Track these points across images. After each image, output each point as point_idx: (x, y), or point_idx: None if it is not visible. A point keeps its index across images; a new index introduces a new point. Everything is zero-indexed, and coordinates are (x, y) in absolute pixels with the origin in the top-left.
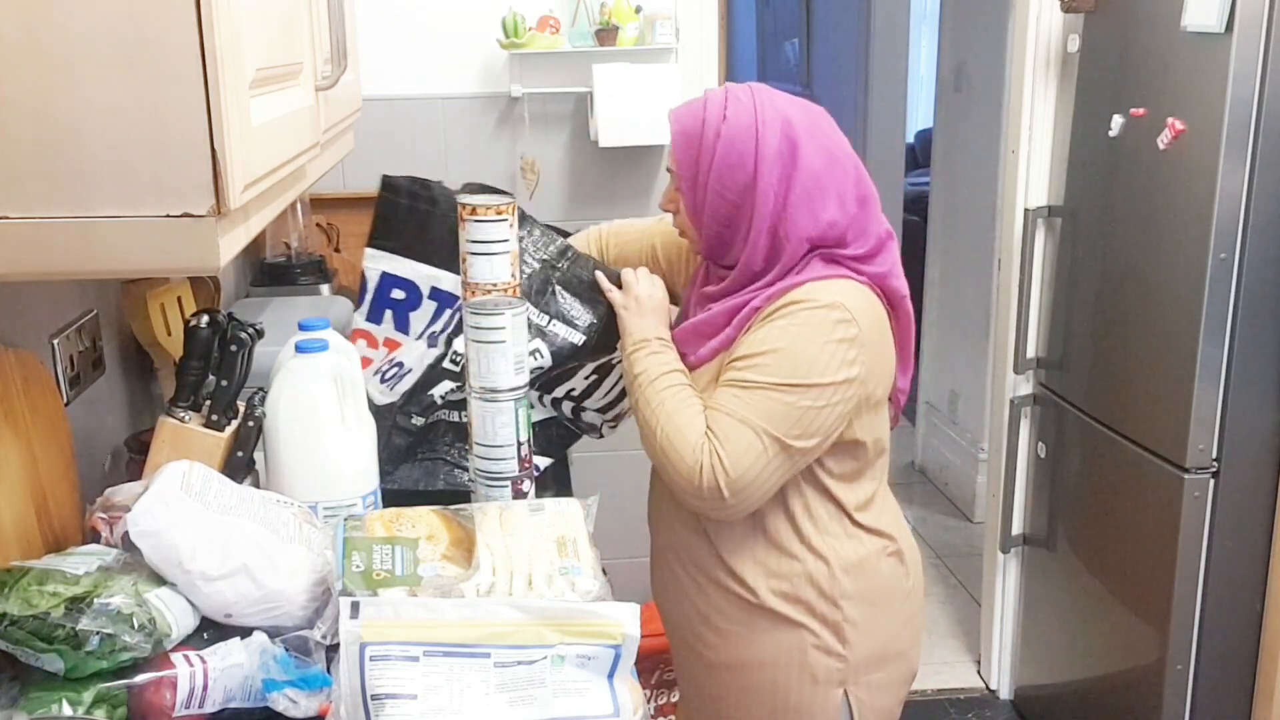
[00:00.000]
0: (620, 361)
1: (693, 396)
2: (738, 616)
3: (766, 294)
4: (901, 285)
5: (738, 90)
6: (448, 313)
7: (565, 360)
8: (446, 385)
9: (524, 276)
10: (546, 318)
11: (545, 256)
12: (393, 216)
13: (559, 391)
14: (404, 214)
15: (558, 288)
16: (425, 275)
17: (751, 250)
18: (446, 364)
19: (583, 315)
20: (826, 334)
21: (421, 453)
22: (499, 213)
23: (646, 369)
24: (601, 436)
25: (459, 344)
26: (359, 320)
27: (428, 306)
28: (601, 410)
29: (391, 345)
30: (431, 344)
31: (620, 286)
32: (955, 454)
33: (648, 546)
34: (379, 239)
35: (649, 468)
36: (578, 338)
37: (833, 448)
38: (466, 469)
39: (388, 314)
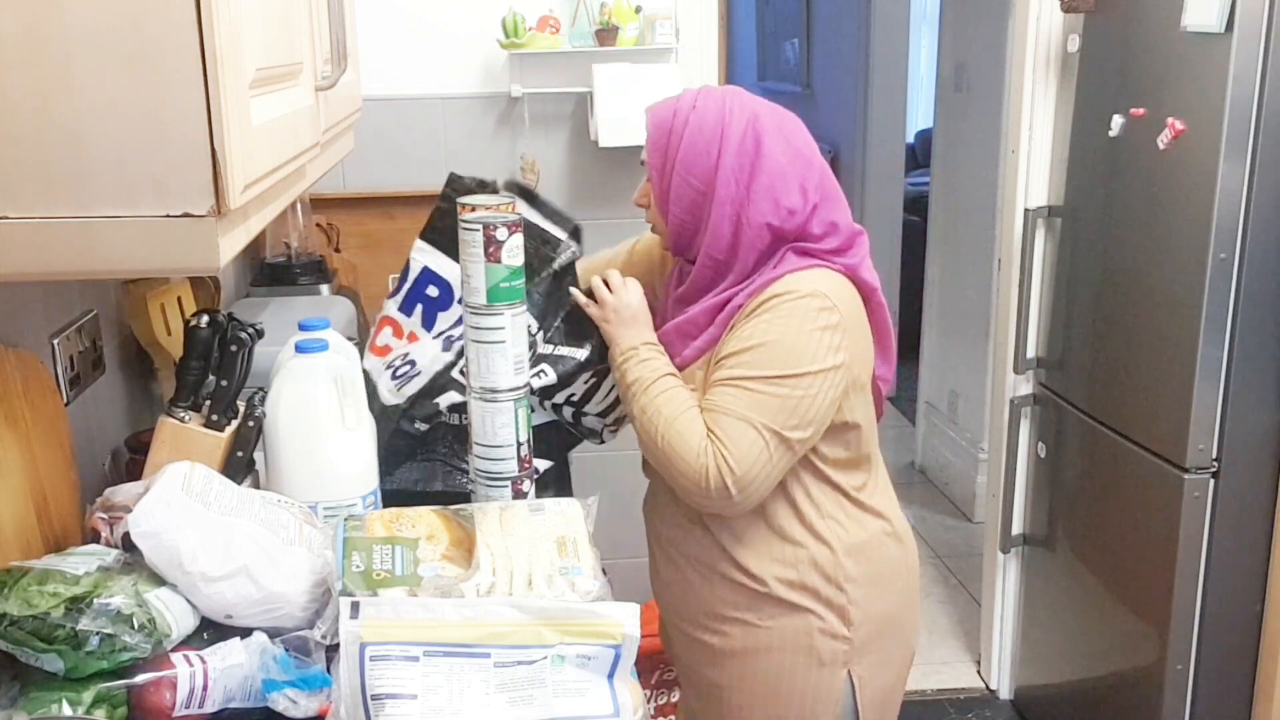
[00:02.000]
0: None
1: (688, 399)
2: (744, 605)
3: (748, 290)
4: (872, 278)
5: (711, 88)
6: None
7: (571, 378)
8: (454, 396)
9: (530, 303)
10: (551, 348)
11: (547, 291)
12: (449, 213)
13: (559, 398)
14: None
15: (562, 312)
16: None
17: (714, 237)
18: (455, 374)
19: (588, 333)
20: (811, 322)
21: (421, 454)
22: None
23: (639, 376)
24: (603, 441)
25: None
26: (390, 308)
27: (456, 310)
28: (601, 415)
29: (414, 339)
30: (445, 347)
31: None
32: (955, 454)
33: (647, 546)
34: (431, 232)
35: (644, 463)
36: (582, 354)
37: (828, 433)
38: (465, 470)
39: (419, 308)
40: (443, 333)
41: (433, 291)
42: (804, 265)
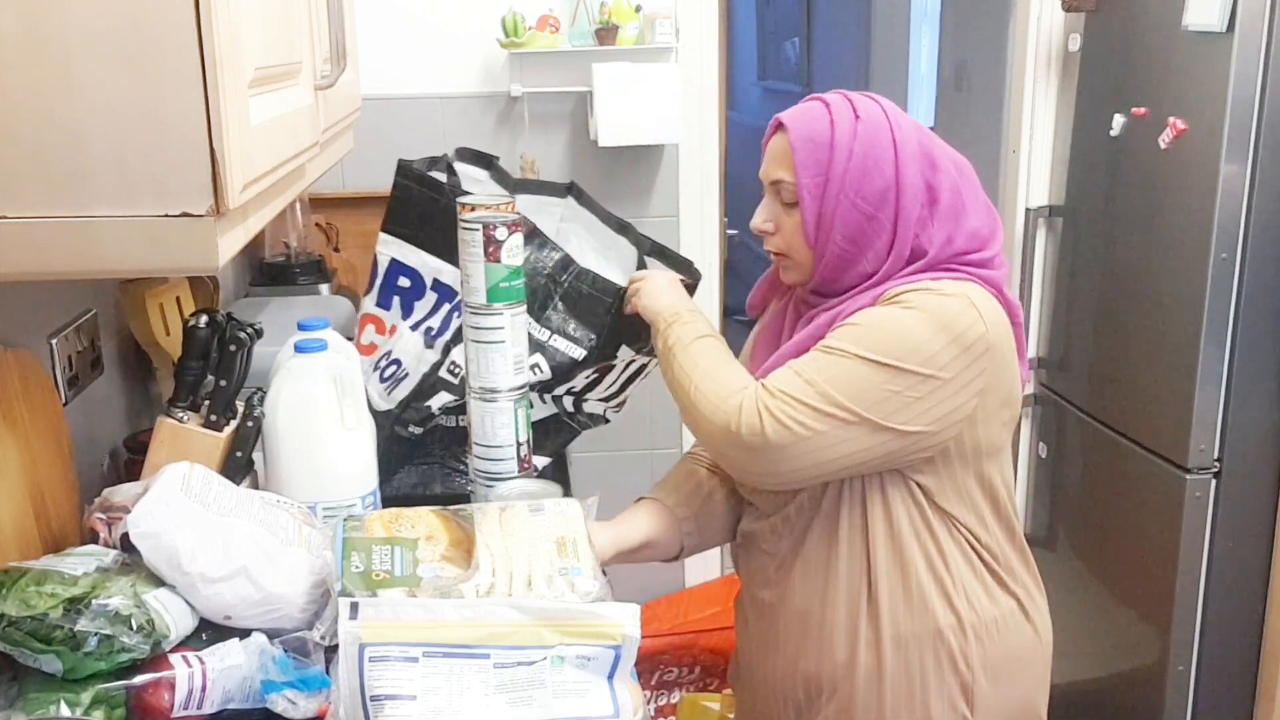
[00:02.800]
0: (618, 363)
1: (730, 355)
2: (859, 678)
3: (873, 294)
4: (1014, 296)
5: (854, 95)
6: (446, 308)
7: (565, 375)
8: (445, 398)
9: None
10: (547, 333)
11: (548, 270)
12: (406, 201)
13: (559, 390)
14: (414, 200)
15: (559, 302)
16: (430, 266)
17: (891, 264)
18: (444, 373)
19: (584, 332)
20: (943, 320)
21: (418, 458)
22: (505, 220)
23: (680, 337)
24: (607, 422)
25: (457, 354)
26: (368, 305)
27: (429, 298)
28: (605, 399)
29: (394, 332)
30: (428, 343)
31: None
32: None
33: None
34: (390, 224)
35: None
36: (578, 353)
37: (967, 484)
38: (463, 472)
39: (395, 300)
40: (420, 322)
41: (404, 282)
42: (945, 277)
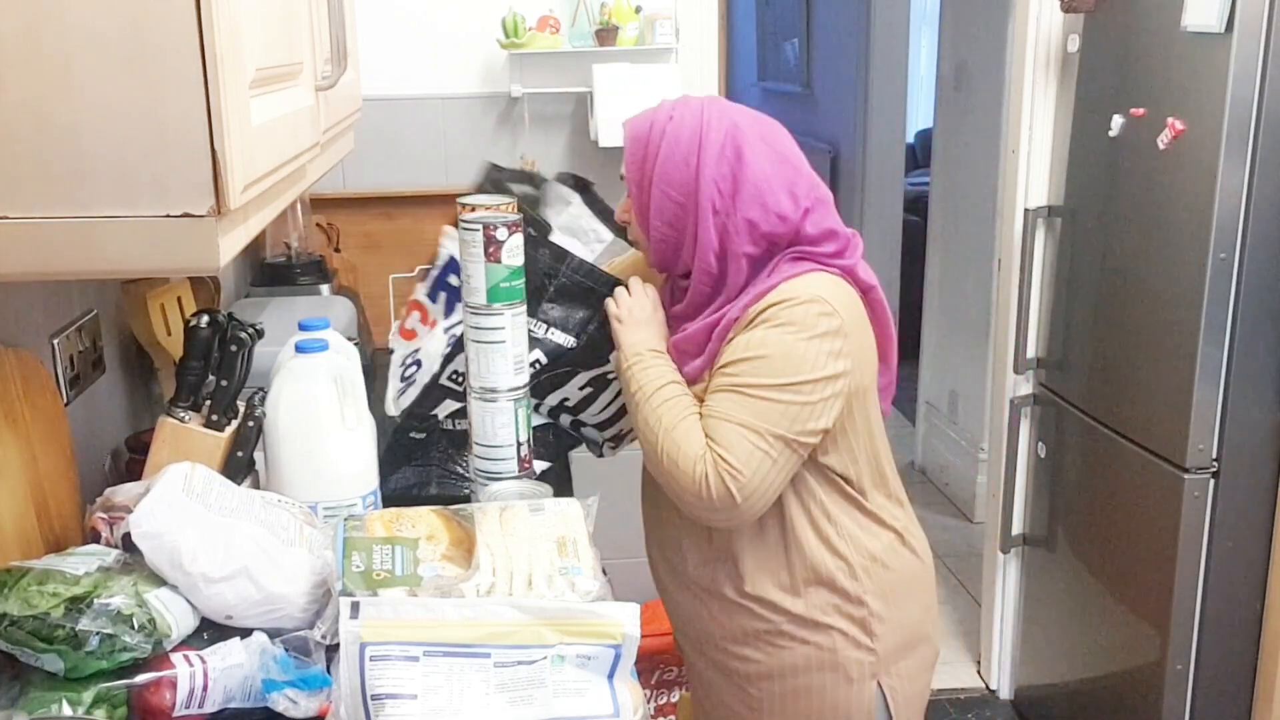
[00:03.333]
0: (615, 378)
1: (690, 407)
2: (765, 629)
3: (741, 303)
4: (869, 276)
5: (690, 98)
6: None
7: (557, 360)
8: (450, 405)
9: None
10: (545, 326)
11: (544, 269)
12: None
13: (553, 399)
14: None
15: (554, 293)
16: None
17: (702, 248)
18: (445, 381)
19: (575, 318)
20: (811, 329)
21: (417, 459)
22: (507, 220)
23: (642, 385)
24: (601, 455)
25: (459, 363)
26: (419, 292)
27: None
28: (599, 427)
29: (433, 325)
30: (449, 343)
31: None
32: (955, 454)
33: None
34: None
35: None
36: (569, 340)
37: (835, 443)
38: (460, 474)
39: (442, 296)
40: (451, 327)
41: (454, 281)
42: (800, 271)
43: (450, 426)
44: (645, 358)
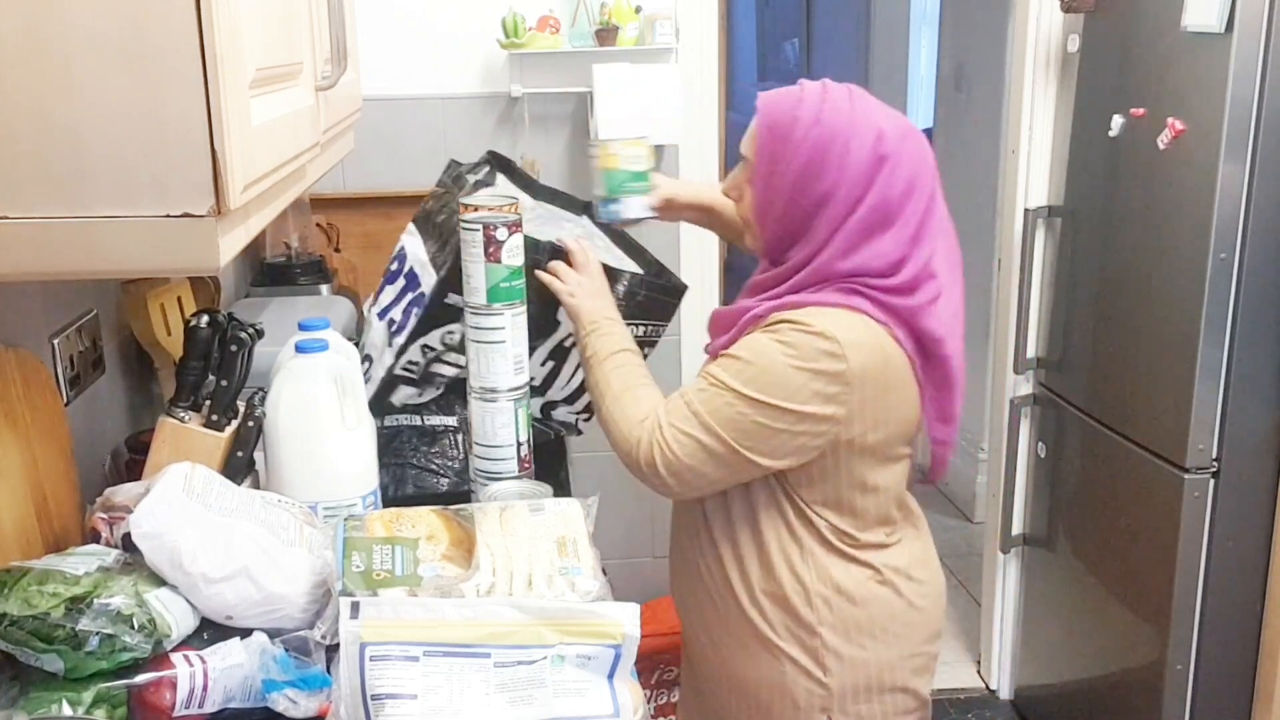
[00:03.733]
0: (572, 345)
1: (642, 373)
2: (730, 629)
3: (770, 305)
4: (937, 326)
5: (836, 91)
6: (408, 298)
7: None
8: (406, 391)
9: None
10: None
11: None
12: (437, 196)
13: None
14: (442, 197)
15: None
16: (416, 255)
17: (807, 246)
18: (399, 371)
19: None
20: (805, 360)
21: (386, 459)
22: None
23: (596, 350)
24: (580, 433)
25: (414, 353)
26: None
27: (399, 284)
28: (568, 400)
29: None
30: (389, 340)
31: (566, 260)
32: (955, 454)
33: (648, 547)
34: (416, 217)
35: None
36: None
37: (813, 483)
38: (436, 471)
39: (386, 287)
40: (386, 310)
41: (394, 265)
42: (836, 302)
43: (419, 423)
44: (600, 325)
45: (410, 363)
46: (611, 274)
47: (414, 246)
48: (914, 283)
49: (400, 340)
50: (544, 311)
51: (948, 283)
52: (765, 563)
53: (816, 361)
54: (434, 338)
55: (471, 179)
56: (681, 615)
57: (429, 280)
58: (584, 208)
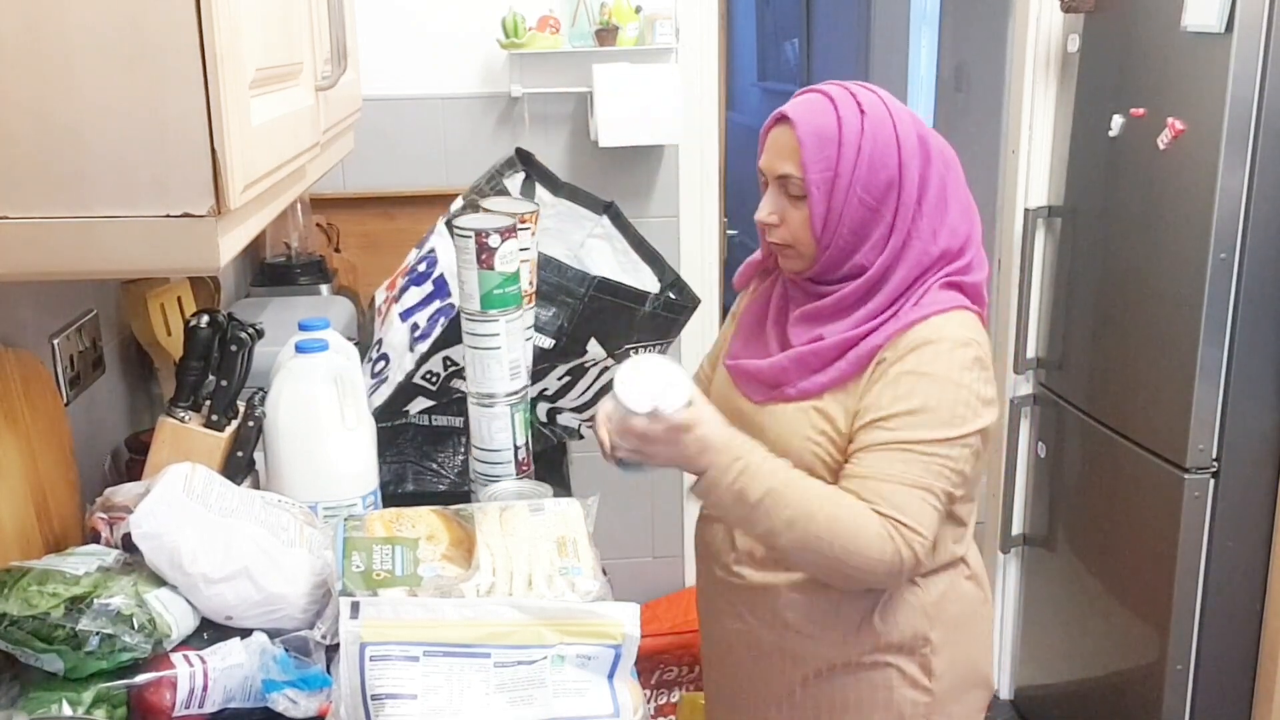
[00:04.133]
0: (591, 366)
1: (822, 485)
2: (825, 660)
3: (887, 331)
4: (987, 294)
5: (852, 86)
6: (435, 305)
7: (537, 361)
8: (422, 403)
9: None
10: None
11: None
12: (470, 200)
13: (532, 391)
14: (475, 200)
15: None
16: (448, 262)
17: (876, 254)
18: (419, 380)
19: (550, 319)
20: (971, 376)
21: (390, 455)
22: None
23: (769, 487)
24: (581, 437)
25: (435, 364)
26: (412, 257)
27: (426, 288)
28: (577, 410)
29: (391, 287)
30: (410, 345)
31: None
32: None
33: (648, 547)
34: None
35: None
36: (547, 342)
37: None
38: (435, 470)
39: (410, 281)
40: (410, 311)
41: (421, 267)
42: (949, 306)
43: (424, 422)
44: (744, 462)
45: (430, 373)
46: (637, 296)
47: (445, 251)
48: (978, 257)
49: (423, 348)
50: (574, 340)
51: None
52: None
53: (972, 371)
54: (457, 352)
55: (506, 177)
56: (751, 653)
57: (459, 293)
58: (604, 207)
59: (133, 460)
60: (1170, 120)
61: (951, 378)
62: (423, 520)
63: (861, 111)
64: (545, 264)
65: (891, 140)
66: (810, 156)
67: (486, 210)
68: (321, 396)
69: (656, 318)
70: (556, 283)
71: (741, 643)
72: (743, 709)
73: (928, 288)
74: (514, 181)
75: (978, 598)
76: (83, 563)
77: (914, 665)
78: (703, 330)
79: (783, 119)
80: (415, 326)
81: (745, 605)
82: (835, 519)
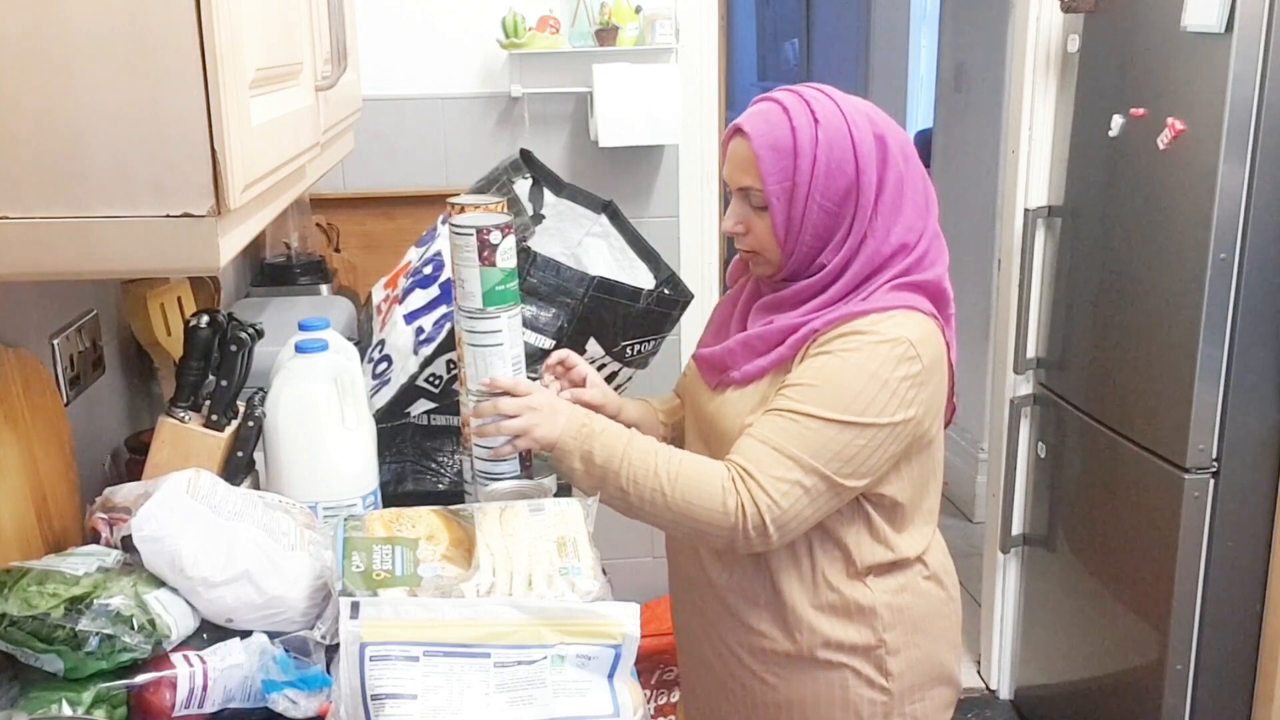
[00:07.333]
0: (593, 363)
1: (662, 445)
2: (777, 656)
3: (827, 318)
4: (948, 286)
5: (806, 92)
6: (441, 310)
7: (535, 364)
8: (424, 404)
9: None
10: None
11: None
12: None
13: None
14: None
15: (526, 295)
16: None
17: (845, 252)
18: (421, 383)
19: (550, 319)
20: (889, 371)
21: (389, 455)
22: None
23: (609, 454)
24: None
25: (439, 367)
26: (410, 253)
27: (433, 291)
28: None
29: (391, 286)
30: (415, 348)
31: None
32: (955, 454)
33: (648, 547)
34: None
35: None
36: (547, 343)
37: (886, 484)
38: (435, 469)
39: (414, 283)
40: (415, 314)
41: (428, 270)
42: (894, 304)
43: (423, 422)
44: (590, 426)
45: (434, 376)
46: (631, 293)
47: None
48: (935, 246)
49: (427, 351)
50: (574, 340)
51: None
52: (828, 580)
53: (896, 369)
54: None
55: (514, 182)
56: (711, 647)
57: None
58: (604, 206)
59: (133, 460)
60: (1170, 120)
61: (867, 367)
62: (423, 520)
63: (815, 120)
64: (544, 265)
65: (847, 145)
66: (768, 169)
67: (454, 206)
68: (321, 397)
69: (650, 313)
70: (555, 284)
71: (701, 634)
72: (705, 703)
73: (880, 285)
74: (522, 187)
75: (940, 597)
76: (82, 563)
77: (869, 666)
78: (702, 329)
79: (739, 131)
80: (420, 330)
81: (698, 595)
82: (683, 464)
